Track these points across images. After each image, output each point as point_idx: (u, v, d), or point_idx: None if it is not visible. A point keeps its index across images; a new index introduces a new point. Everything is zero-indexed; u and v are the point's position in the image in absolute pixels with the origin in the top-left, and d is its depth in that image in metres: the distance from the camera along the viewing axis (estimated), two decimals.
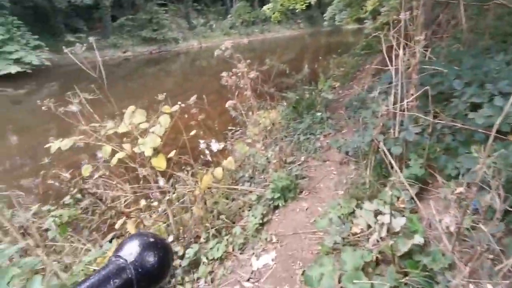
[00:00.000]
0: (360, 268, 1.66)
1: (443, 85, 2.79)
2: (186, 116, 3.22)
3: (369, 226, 1.94)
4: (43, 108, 2.12)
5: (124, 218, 2.34)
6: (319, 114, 5.52)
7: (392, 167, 2.27)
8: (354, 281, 1.54)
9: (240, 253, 2.46)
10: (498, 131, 1.40)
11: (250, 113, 4.68)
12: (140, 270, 0.55)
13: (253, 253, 2.42)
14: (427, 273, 1.55)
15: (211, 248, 2.44)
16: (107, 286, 0.52)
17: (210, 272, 2.28)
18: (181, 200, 2.96)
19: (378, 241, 1.52)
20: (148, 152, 2.57)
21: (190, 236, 2.60)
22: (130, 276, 0.54)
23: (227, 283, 2.17)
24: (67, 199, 2.15)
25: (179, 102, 2.99)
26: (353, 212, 2.31)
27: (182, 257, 2.34)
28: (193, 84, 13.76)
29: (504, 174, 1.29)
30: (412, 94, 2.45)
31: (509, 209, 1.34)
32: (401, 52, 2.40)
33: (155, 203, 2.67)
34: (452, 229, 1.37)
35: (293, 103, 6.07)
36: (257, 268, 2.26)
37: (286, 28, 34.40)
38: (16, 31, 14.23)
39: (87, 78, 2.23)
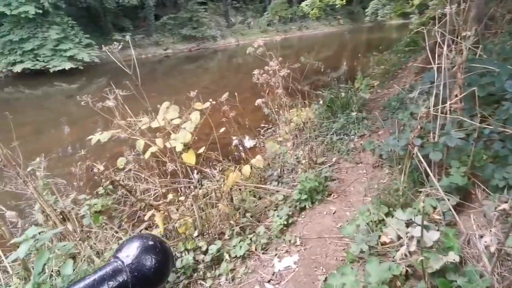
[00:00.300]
0: (386, 282, 1.55)
1: (493, 86, 2.51)
2: (220, 112, 3.27)
3: (399, 237, 1.80)
4: (82, 103, 2.26)
5: (153, 210, 2.43)
6: (354, 114, 5.30)
7: (428, 174, 2.09)
8: None
9: (263, 253, 2.44)
10: None
11: (281, 111, 4.63)
12: (136, 273, 0.55)
13: (276, 254, 2.39)
14: None
15: (234, 246, 2.45)
16: None
17: (232, 270, 2.28)
18: (209, 195, 3.01)
19: (406, 255, 1.41)
20: (179, 148, 2.64)
21: (214, 232, 2.63)
22: (126, 279, 0.54)
23: (247, 282, 2.16)
24: (100, 190, 2.28)
25: (210, 99, 3.03)
26: (383, 220, 2.18)
27: (205, 253, 2.38)
28: (228, 81, 13.98)
29: None
30: (457, 95, 2.23)
31: None
32: (445, 48, 2.20)
33: (182, 198, 2.73)
34: (493, 248, 1.22)
35: (327, 102, 5.90)
36: (279, 270, 2.23)
37: (324, 25, 33.53)
38: (70, 30, 15.49)
39: (131, 74, 2.34)
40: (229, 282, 2.18)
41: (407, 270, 1.70)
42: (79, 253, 2.23)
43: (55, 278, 1.98)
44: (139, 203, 2.29)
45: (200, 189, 2.64)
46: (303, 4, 12.15)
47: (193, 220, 2.71)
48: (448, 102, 2.25)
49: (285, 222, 2.68)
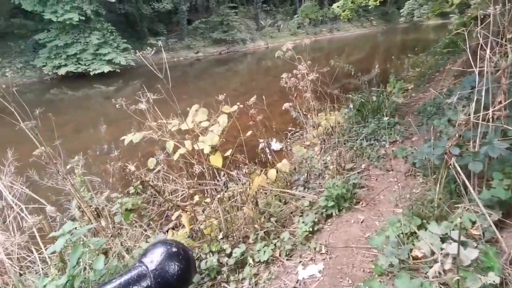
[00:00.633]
0: None
1: None
2: (248, 115, 3.29)
3: (433, 252, 1.70)
4: (117, 106, 2.37)
5: (180, 211, 2.49)
6: (386, 119, 5.09)
7: (466, 186, 1.95)
8: None
9: (287, 260, 2.40)
10: None
11: (309, 115, 4.56)
12: (159, 280, 0.56)
13: (300, 262, 2.34)
14: None
15: (258, 250, 2.44)
16: None
17: (255, 275, 2.27)
18: (234, 198, 3.03)
19: (440, 273, 1.31)
20: (207, 150, 2.69)
21: (239, 235, 2.64)
22: (150, 284, 0.55)
23: None
24: (131, 189, 2.38)
25: (238, 103, 3.06)
26: (415, 232, 2.06)
27: (229, 256, 2.39)
28: (257, 84, 14.05)
29: None
30: (501, 102, 2.07)
31: None
32: (488, 51, 2.05)
33: (208, 200, 2.78)
34: None
35: (357, 106, 5.73)
36: (303, 278, 2.18)
37: (356, 26, 32.71)
38: (109, 35, 16.42)
39: (165, 77, 2.43)
40: (252, 287, 2.17)
41: None
42: (110, 248, 2.34)
43: (88, 271, 2.09)
44: (167, 203, 2.36)
45: (226, 191, 2.67)
46: (334, 5, 11.95)
47: (218, 222, 2.74)
48: (491, 109, 2.09)
49: (311, 229, 2.62)
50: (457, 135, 2.12)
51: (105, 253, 2.34)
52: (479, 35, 2.37)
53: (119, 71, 16.14)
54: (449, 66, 8.92)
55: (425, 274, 1.76)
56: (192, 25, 23.05)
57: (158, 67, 2.42)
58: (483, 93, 2.25)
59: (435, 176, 2.42)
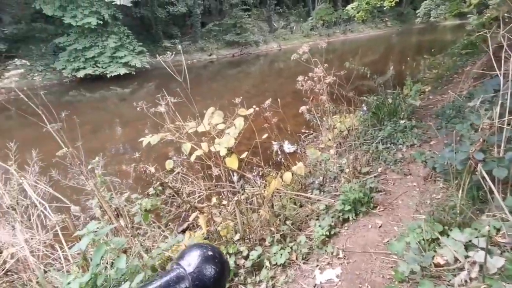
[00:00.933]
0: None
1: None
2: (262, 117, 3.30)
3: (456, 260, 1.66)
4: (138, 109, 2.43)
5: (197, 212, 2.52)
6: (402, 121, 5.01)
7: (492, 192, 1.90)
8: None
9: (304, 263, 2.39)
10: None
11: (325, 117, 4.53)
12: (197, 282, 0.57)
13: (317, 266, 2.33)
14: None
15: (274, 253, 2.44)
16: None
17: (272, 278, 2.28)
18: (249, 201, 3.05)
19: (466, 281, 1.28)
20: (223, 152, 2.71)
21: (255, 237, 2.65)
22: (188, 286, 0.56)
23: None
24: (151, 190, 2.42)
25: (253, 106, 3.07)
26: (437, 239, 2.01)
27: (246, 258, 2.40)
28: (269, 86, 14.06)
29: None
30: None
31: None
32: None
33: (225, 202, 2.80)
34: None
35: (373, 109, 5.65)
36: (320, 282, 2.17)
37: (370, 27, 32.30)
38: (126, 39, 16.79)
39: (178, 80, 2.47)
40: None
41: None
42: (130, 248, 2.39)
43: (109, 270, 2.14)
44: (185, 204, 2.39)
45: (242, 194, 2.68)
46: (348, 7, 11.85)
47: (234, 224, 2.76)
48: None
49: (327, 233, 2.61)
50: (481, 140, 2.06)
51: (125, 252, 2.39)
52: (502, 38, 2.31)
53: (134, 73, 16.46)
54: (468, 68, 8.69)
55: (448, 282, 1.72)
56: (206, 28, 23.30)
57: (174, 69, 2.46)
58: (508, 97, 2.19)
59: (457, 181, 2.36)
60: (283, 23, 28.16)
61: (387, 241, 2.40)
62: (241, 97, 2.98)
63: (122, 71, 15.76)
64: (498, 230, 1.94)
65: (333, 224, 2.74)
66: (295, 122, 6.92)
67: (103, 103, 13.72)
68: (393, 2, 11.21)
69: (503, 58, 2.34)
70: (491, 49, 2.65)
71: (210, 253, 0.62)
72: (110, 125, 10.51)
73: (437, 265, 1.87)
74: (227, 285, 2.25)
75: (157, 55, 2.59)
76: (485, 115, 2.26)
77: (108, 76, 15.69)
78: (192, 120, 2.94)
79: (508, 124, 2.10)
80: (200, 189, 2.88)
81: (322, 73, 3.45)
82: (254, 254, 2.38)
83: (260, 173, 3.67)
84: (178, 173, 2.80)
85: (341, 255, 2.39)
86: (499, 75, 2.38)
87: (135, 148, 7.63)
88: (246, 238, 2.61)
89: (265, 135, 3.34)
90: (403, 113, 5.25)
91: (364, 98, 6.30)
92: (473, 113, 2.86)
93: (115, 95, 14.63)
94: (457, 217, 2.14)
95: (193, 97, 2.69)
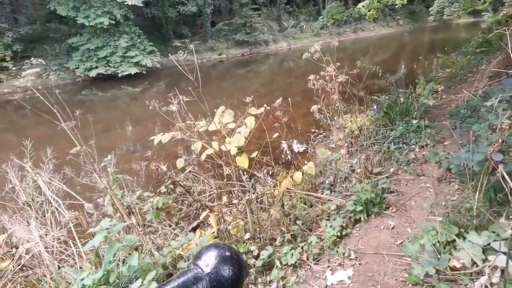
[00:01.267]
0: None
1: None
2: (271, 116, 3.28)
3: (474, 263, 1.61)
4: (150, 108, 2.44)
5: (208, 211, 2.53)
6: (415, 121, 4.92)
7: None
8: None
9: (315, 264, 2.37)
10: None
11: (336, 117, 4.49)
12: (215, 283, 0.56)
13: (329, 266, 2.31)
14: None
15: (285, 253, 2.42)
16: None
17: (283, 278, 2.26)
18: (259, 200, 3.04)
19: (487, 287, 1.24)
20: (233, 151, 2.71)
21: (265, 237, 2.64)
22: (205, 287, 0.56)
23: None
24: (162, 188, 2.44)
25: (264, 105, 3.06)
26: (453, 242, 1.97)
27: (256, 257, 2.39)
28: (279, 85, 14.01)
29: None
30: None
31: None
32: None
33: (235, 201, 2.79)
34: None
35: (384, 108, 5.57)
36: (331, 283, 2.14)
37: (382, 26, 31.84)
38: (137, 39, 16.98)
39: (188, 79, 2.48)
40: None
41: None
42: (141, 245, 2.41)
43: (121, 267, 2.16)
44: (195, 203, 2.40)
45: (253, 193, 2.67)
46: (360, 5, 11.70)
47: (245, 223, 2.75)
48: None
49: (338, 234, 2.58)
50: (499, 141, 2.00)
51: (136, 249, 2.41)
52: None
53: (145, 72, 16.64)
54: (484, 67, 8.48)
55: (465, 286, 1.67)
56: (216, 27, 23.37)
57: (184, 69, 2.46)
58: None
59: (473, 183, 2.30)
60: (293, 22, 28.02)
61: (400, 243, 2.36)
62: (252, 96, 2.97)
63: (133, 70, 15.96)
64: None
65: (344, 224, 2.70)
66: (304, 122, 6.87)
67: (114, 102, 13.93)
68: (405, 0, 11.03)
69: None
70: (510, 47, 2.56)
71: (227, 253, 0.61)
72: (121, 124, 10.65)
73: (452, 269, 1.82)
74: None
75: (169, 54, 2.60)
76: (503, 115, 2.19)
77: (120, 75, 15.90)
78: (203, 119, 2.95)
79: None
80: (211, 188, 2.88)
81: (334, 72, 3.41)
82: (264, 254, 2.37)
83: (270, 173, 3.65)
84: (190, 171, 2.80)
85: (352, 256, 2.35)
86: None
87: (146, 147, 7.71)
88: (256, 238, 2.60)
89: (276, 134, 3.32)
90: (415, 113, 5.15)
91: (376, 97, 6.22)
92: (491, 113, 2.78)
93: (126, 94, 14.82)
94: (474, 219, 2.08)
95: (203, 96, 2.70)
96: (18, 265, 2.54)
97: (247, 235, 2.71)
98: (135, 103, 13.27)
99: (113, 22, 15.55)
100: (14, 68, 14.69)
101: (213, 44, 22.59)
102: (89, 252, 2.66)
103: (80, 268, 2.44)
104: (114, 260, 2.09)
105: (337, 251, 2.43)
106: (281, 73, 17.99)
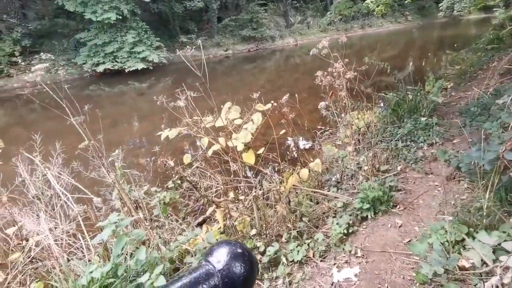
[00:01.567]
0: None
1: None
2: (278, 112, 3.26)
3: (484, 263, 1.59)
4: (158, 103, 2.45)
5: (214, 206, 2.54)
6: (423, 119, 4.86)
7: None
8: None
9: (321, 261, 2.37)
10: None
11: (343, 114, 4.45)
12: (226, 280, 0.56)
13: (335, 264, 2.30)
14: None
15: (291, 250, 2.42)
16: None
17: (289, 274, 2.26)
18: (265, 196, 3.03)
19: (498, 287, 1.22)
20: (240, 147, 2.71)
21: (272, 233, 2.64)
22: (217, 283, 0.56)
23: None
24: (170, 184, 2.45)
25: (271, 101, 3.04)
26: (461, 241, 1.94)
27: (263, 254, 2.39)
28: (285, 81, 13.94)
29: None
30: None
31: None
32: None
33: (242, 197, 2.80)
34: None
35: (392, 105, 5.50)
36: (338, 280, 2.14)
37: (390, 22, 31.39)
38: (144, 34, 17.02)
39: (194, 75, 2.47)
40: (286, 286, 2.16)
41: None
42: (149, 240, 2.43)
43: (129, 261, 2.19)
44: (202, 198, 2.41)
45: (260, 189, 2.67)
46: (368, 0, 11.56)
47: (251, 219, 2.76)
48: None
49: (345, 231, 2.57)
50: None
51: (143, 243, 2.43)
52: None
53: (151, 68, 16.70)
54: (495, 64, 8.32)
55: (474, 286, 1.65)
56: (222, 23, 23.29)
57: (191, 65, 2.46)
58: None
59: (483, 182, 2.26)
60: (300, 18, 27.78)
61: (408, 242, 2.34)
62: (259, 92, 2.96)
63: (140, 66, 16.02)
64: None
65: (351, 222, 2.69)
66: (311, 118, 6.84)
67: (121, 97, 14.01)
68: None
69: None
70: None
71: (239, 250, 0.61)
72: (128, 119, 10.72)
73: (461, 268, 1.80)
74: None
75: (176, 50, 2.60)
76: None
77: (127, 71, 15.98)
78: (209, 114, 2.95)
79: None
80: (217, 184, 2.89)
81: (342, 68, 3.38)
82: (271, 250, 2.37)
83: (276, 169, 3.65)
84: (197, 167, 2.81)
85: (359, 254, 2.34)
86: None
87: (152, 142, 7.75)
88: (262, 234, 2.61)
89: (283, 131, 3.31)
90: (424, 110, 5.08)
91: (384, 94, 6.15)
92: (502, 111, 2.73)
93: (133, 90, 14.90)
94: (484, 219, 2.05)
95: (208, 92, 2.69)
96: (28, 257, 2.58)
97: (253, 231, 2.71)
98: (142, 99, 13.33)
99: (120, 17, 15.60)
100: (23, 63, 14.85)
101: (219, 40, 22.54)
102: (97, 245, 2.70)
103: (89, 261, 2.47)
104: (122, 253, 2.12)
105: (343, 249, 2.42)
106: (287, 69, 17.88)
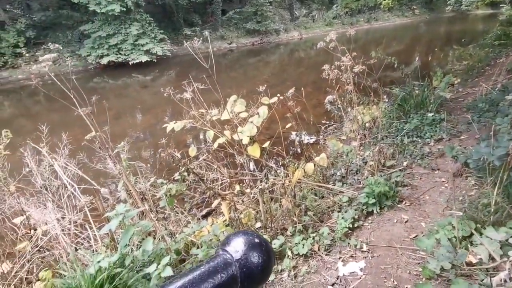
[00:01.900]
0: None
1: None
2: (282, 106, 3.24)
3: (492, 259, 1.58)
4: (165, 95, 2.44)
5: (220, 199, 2.54)
6: (430, 114, 4.81)
7: None
8: None
9: (326, 255, 2.37)
10: None
11: (349, 108, 4.42)
12: (244, 269, 0.56)
13: (340, 258, 2.30)
14: None
15: (296, 243, 2.43)
16: (214, 278, 0.54)
17: (294, 267, 2.27)
18: (270, 189, 3.04)
19: (506, 281, 1.22)
20: (245, 140, 2.70)
21: (277, 227, 2.65)
22: (235, 273, 0.55)
23: (310, 282, 2.13)
24: (176, 176, 2.46)
25: (278, 94, 3.02)
26: (469, 237, 1.93)
27: None
28: (289, 75, 13.85)
29: None
30: None
31: None
32: None
33: (248, 190, 2.80)
34: None
35: (398, 100, 5.45)
36: (343, 274, 2.14)
37: (396, 16, 30.95)
38: (148, 26, 16.92)
39: (198, 68, 2.46)
40: (291, 279, 2.17)
41: None
42: (155, 231, 2.45)
43: (135, 251, 2.21)
44: (208, 191, 2.41)
45: (266, 183, 2.67)
46: None
47: (256, 212, 2.76)
48: None
49: (350, 226, 2.57)
50: None
51: (149, 235, 2.45)
52: None
53: (155, 61, 16.63)
54: (503, 60, 8.21)
55: (481, 281, 1.65)
56: (226, 16, 23.08)
57: (193, 57, 2.43)
58: None
59: (492, 178, 2.24)
60: (305, 11, 27.46)
61: (414, 237, 2.34)
62: (265, 85, 2.94)
63: (144, 58, 15.96)
64: None
65: (356, 217, 2.69)
66: (315, 113, 6.80)
67: (125, 89, 14.01)
68: None
69: None
70: None
71: (256, 240, 0.60)
72: (132, 112, 10.73)
73: (468, 264, 1.80)
74: None
75: (180, 42, 2.58)
76: None
77: (131, 63, 15.94)
78: (214, 107, 2.94)
79: None
80: (223, 177, 2.89)
81: (349, 62, 3.34)
82: (276, 243, 2.38)
83: (281, 163, 3.65)
84: (204, 160, 2.81)
85: (364, 249, 2.34)
86: None
87: (156, 135, 7.76)
88: (268, 227, 2.61)
89: (288, 125, 3.29)
90: (431, 106, 5.04)
91: (389, 89, 6.10)
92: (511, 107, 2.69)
93: (136, 82, 14.89)
94: (492, 215, 2.04)
95: (212, 85, 2.68)
96: (36, 246, 2.61)
97: (258, 224, 2.73)
98: (146, 91, 13.32)
99: (124, 9, 15.49)
100: (27, 55, 14.86)
101: (223, 33, 22.37)
102: (104, 235, 2.72)
103: (96, 250, 2.50)
104: (129, 244, 2.14)
105: (348, 243, 2.43)
106: (291, 63, 17.76)
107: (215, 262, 0.57)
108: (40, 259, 2.62)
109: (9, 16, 15.29)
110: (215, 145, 2.75)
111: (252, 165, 3.40)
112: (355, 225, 2.61)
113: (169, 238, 2.40)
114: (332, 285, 2.07)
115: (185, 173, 2.38)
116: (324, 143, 5.14)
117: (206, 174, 2.84)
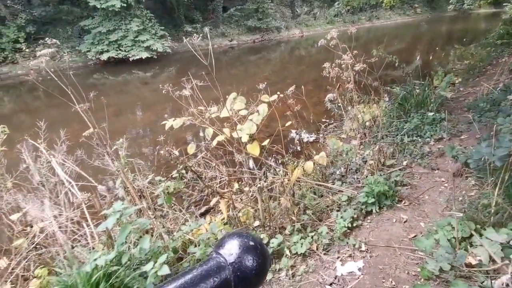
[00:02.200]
0: None
1: None
2: (282, 104, 3.22)
3: (492, 260, 1.56)
4: (163, 92, 2.41)
5: (218, 197, 2.52)
6: (431, 114, 4.79)
7: None
8: None
9: (324, 254, 2.36)
10: None
11: (349, 107, 4.40)
12: (238, 273, 0.54)
13: (338, 257, 2.29)
14: None
15: (295, 242, 2.41)
16: (207, 282, 0.52)
17: (292, 266, 2.26)
18: (269, 188, 3.02)
19: (508, 285, 1.20)
20: (245, 138, 2.68)
21: (275, 225, 2.63)
22: (228, 277, 0.53)
23: (308, 281, 2.12)
24: (174, 173, 2.44)
25: (278, 92, 3.00)
26: (468, 238, 1.92)
27: (266, 245, 2.38)
28: (290, 73, 13.80)
29: None
30: None
31: None
32: None
33: (246, 188, 2.78)
34: None
35: (399, 99, 5.42)
36: (341, 274, 2.13)
37: (398, 14, 30.83)
38: (148, 22, 16.84)
39: (197, 65, 2.43)
40: (289, 278, 2.16)
41: None
42: (152, 229, 2.43)
43: (132, 249, 2.19)
44: (206, 189, 2.39)
45: (265, 181, 2.65)
46: None
47: (255, 210, 2.75)
48: None
49: (349, 225, 2.55)
50: None
51: (146, 233, 2.43)
52: None
53: (156, 57, 16.58)
54: (505, 59, 8.16)
55: (481, 283, 1.64)
56: (227, 13, 22.97)
57: (193, 54, 2.40)
58: None
59: (492, 178, 2.22)
60: (307, 9, 27.33)
61: (413, 237, 2.32)
62: (265, 83, 2.91)
63: (144, 55, 15.91)
64: None
65: (355, 216, 2.67)
66: (315, 111, 6.78)
67: (125, 86, 13.97)
68: None
69: None
70: None
71: (251, 243, 0.58)
72: (131, 108, 10.70)
73: (467, 265, 1.78)
74: None
75: (181, 38, 2.55)
76: None
77: (131, 59, 15.88)
78: (214, 104, 2.91)
79: None
80: (222, 175, 2.87)
81: (350, 60, 3.31)
82: (274, 242, 2.36)
83: (280, 161, 3.63)
84: (203, 157, 2.79)
85: (363, 248, 2.33)
86: None
87: (155, 131, 7.73)
88: (266, 226, 2.60)
89: (288, 123, 3.27)
90: (431, 105, 5.01)
91: (390, 88, 6.07)
92: None
93: (137, 79, 14.84)
94: (492, 216, 2.02)
95: (212, 82, 2.65)
96: (32, 244, 2.60)
97: (257, 223, 2.71)
98: (146, 88, 13.28)
99: (125, 5, 15.41)
100: (27, 50, 14.80)
101: (224, 30, 22.28)
102: (101, 233, 2.71)
103: (93, 248, 2.49)
104: (126, 242, 2.12)
105: (347, 242, 2.41)
106: (292, 61, 17.69)
107: (208, 266, 0.55)
108: (36, 256, 2.61)
109: (9, 11, 15.21)
110: (214, 143, 2.73)
111: (251, 163, 3.38)
112: (354, 225, 2.60)
113: (166, 236, 2.38)
114: (330, 284, 2.05)
115: (184, 171, 2.36)
116: (324, 142, 5.12)
117: (205, 172, 2.83)
